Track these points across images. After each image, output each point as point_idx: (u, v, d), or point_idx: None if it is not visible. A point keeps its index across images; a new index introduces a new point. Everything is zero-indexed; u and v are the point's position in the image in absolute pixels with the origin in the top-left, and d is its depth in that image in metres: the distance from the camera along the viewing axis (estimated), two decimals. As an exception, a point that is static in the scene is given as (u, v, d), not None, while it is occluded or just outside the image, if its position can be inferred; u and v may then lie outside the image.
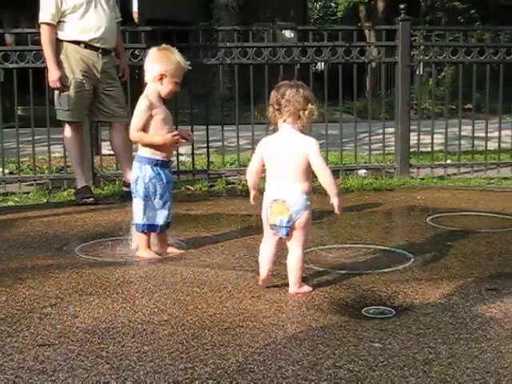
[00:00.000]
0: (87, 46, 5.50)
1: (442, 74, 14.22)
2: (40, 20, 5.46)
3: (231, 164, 7.12)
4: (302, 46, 6.65)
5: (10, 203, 5.75)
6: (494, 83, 6.91)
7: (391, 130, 7.01)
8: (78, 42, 5.49)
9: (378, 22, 19.26)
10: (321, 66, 15.28)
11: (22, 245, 4.21)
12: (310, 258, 3.69)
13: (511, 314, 2.87)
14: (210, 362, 2.40)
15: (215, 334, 2.67)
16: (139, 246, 3.93)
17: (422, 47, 6.92)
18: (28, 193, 6.04)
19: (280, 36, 13.51)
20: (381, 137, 6.95)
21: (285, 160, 3.14)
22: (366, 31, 15.75)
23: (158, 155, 3.85)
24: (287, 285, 3.22)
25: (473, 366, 2.35)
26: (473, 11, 22.03)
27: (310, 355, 2.45)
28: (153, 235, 3.95)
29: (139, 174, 3.83)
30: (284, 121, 3.17)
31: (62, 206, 5.50)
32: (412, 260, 3.77)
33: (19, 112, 6.57)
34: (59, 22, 5.46)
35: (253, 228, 4.54)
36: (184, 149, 6.94)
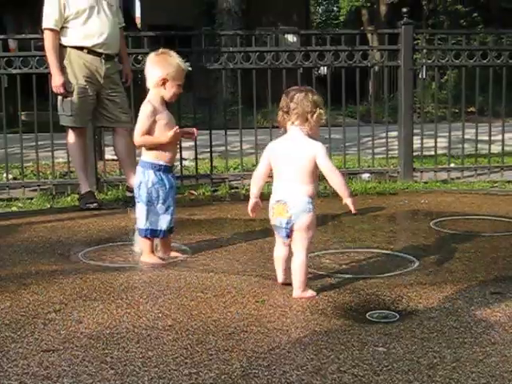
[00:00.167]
0: (90, 51, 5.51)
1: (445, 77, 14.21)
2: (43, 26, 5.47)
3: (234, 168, 7.12)
4: (305, 51, 6.65)
5: (14, 209, 5.76)
6: (497, 86, 6.91)
7: (394, 133, 7.01)
8: (81, 48, 5.50)
9: (380, 26, 19.25)
10: (323, 70, 15.28)
11: (25, 250, 4.21)
12: (313, 263, 3.68)
13: (516, 317, 2.87)
14: (214, 367, 2.40)
15: (219, 339, 2.67)
16: (143, 251, 3.93)
17: (424, 51, 6.92)
18: (32, 198, 6.05)
19: (283, 40, 13.49)
20: (384, 141, 6.95)
21: (290, 162, 3.17)
22: (369, 35, 15.76)
23: (162, 160, 3.85)
24: (291, 289, 3.22)
25: (477, 370, 2.35)
26: (475, 14, 22.03)
27: (314, 360, 2.45)
28: (156, 240, 3.95)
29: (142, 179, 3.84)
30: (292, 123, 3.22)
31: (65, 212, 5.51)
32: (416, 264, 3.76)
33: (23, 117, 6.58)
34: (62, 27, 5.47)
35: (256, 233, 4.54)
36: (187, 153, 6.95)
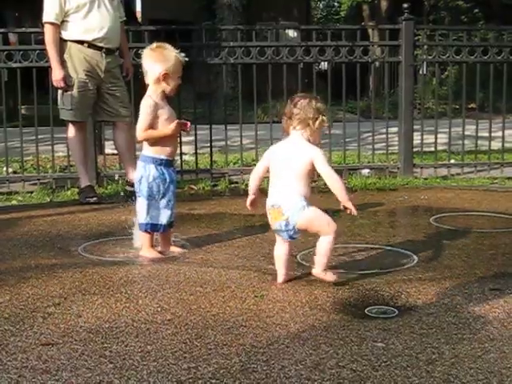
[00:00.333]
0: (91, 45, 5.51)
1: (446, 73, 14.20)
2: (44, 20, 5.47)
3: (234, 163, 7.12)
4: (306, 46, 6.64)
5: (14, 202, 5.76)
6: (498, 83, 6.91)
7: (394, 129, 7.01)
8: (81, 42, 5.50)
9: (381, 22, 19.23)
10: (324, 65, 15.26)
11: (25, 244, 4.22)
12: (311, 259, 3.68)
13: (514, 314, 2.87)
14: (213, 362, 2.40)
15: (218, 333, 2.68)
16: (142, 245, 3.93)
17: (425, 47, 6.92)
18: (31, 192, 6.05)
19: (283, 35, 13.47)
20: (384, 136, 6.94)
21: (288, 166, 3.23)
22: (370, 30, 15.71)
23: (163, 154, 3.85)
24: (290, 285, 3.23)
25: (476, 366, 2.35)
26: (476, 10, 21.98)
27: (313, 355, 2.45)
28: (156, 234, 3.96)
29: (143, 174, 3.84)
30: (294, 128, 3.28)
31: (65, 206, 5.51)
32: (415, 260, 3.77)
33: (23, 111, 6.57)
34: (63, 21, 5.47)
35: (256, 227, 4.54)
36: (187, 148, 6.95)
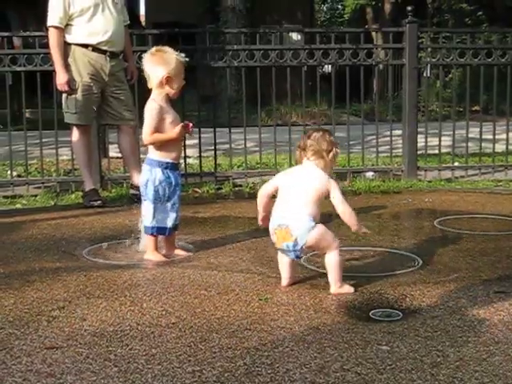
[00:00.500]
0: (95, 49, 5.52)
1: (450, 76, 14.19)
2: (48, 23, 5.48)
3: (238, 166, 7.12)
4: (309, 49, 6.65)
5: (18, 206, 5.77)
6: (502, 85, 6.90)
7: (398, 132, 7.00)
8: (85, 45, 5.51)
9: (385, 24, 19.23)
10: (328, 68, 15.26)
11: (29, 247, 4.22)
12: (316, 261, 3.68)
13: (519, 316, 2.87)
14: (217, 365, 2.40)
15: (223, 336, 2.67)
16: (147, 248, 3.93)
17: (429, 49, 6.91)
18: (36, 195, 6.06)
19: (287, 38, 13.51)
20: (388, 139, 6.94)
21: (299, 188, 3.25)
22: (373, 33, 15.77)
23: (168, 158, 3.86)
24: (295, 288, 3.23)
25: (481, 369, 2.34)
26: (480, 13, 21.98)
27: (317, 358, 2.45)
28: (160, 238, 3.96)
29: (149, 177, 3.84)
30: (307, 159, 3.33)
31: (69, 209, 5.51)
32: (419, 263, 3.76)
33: (27, 115, 6.60)
34: (67, 25, 5.48)
35: (260, 230, 4.51)
36: (191, 151, 6.95)
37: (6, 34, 6.39)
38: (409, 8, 6.68)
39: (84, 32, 5.49)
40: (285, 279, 3.34)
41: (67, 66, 5.49)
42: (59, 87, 5.54)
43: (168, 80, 3.83)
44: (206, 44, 6.62)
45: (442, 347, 2.54)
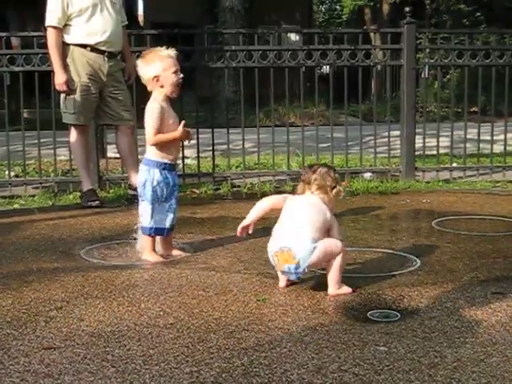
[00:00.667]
0: (93, 49, 5.52)
1: (448, 76, 14.21)
2: (46, 23, 5.48)
3: (236, 167, 7.12)
4: (308, 49, 6.65)
5: (16, 206, 5.76)
6: (500, 86, 6.91)
7: (396, 132, 7.01)
8: (84, 46, 5.51)
9: (383, 25, 19.20)
10: (326, 69, 15.27)
11: (27, 248, 4.22)
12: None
13: (517, 317, 2.87)
14: (215, 366, 2.40)
15: (220, 337, 2.67)
16: (145, 249, 3.93)
17: (427, 50, 6.92)
18: (34, 196, 6.05)
19: (285, 39, 13.51)
20: (386, 140, 6.94)
21: (302, 211, 3.25)
22: (372, 34, 15.69)
23: (166, 158, 3.86)
24: (292, 288, 3.23)
25: (478, 370, 2.35)
26: (478, 14, 21.97)
27: (315, 359, 2.45)
28: (158, 238, 3.96)
29: (147, 178, 3.84)
30: (312, 193, 3.34)
31: (67, 209, 5.51)
32: (417, 263, 3.76)
33: (25, 115, 6.58)
34: (65, 25, 5.48)
35: (258, 231, 4.52)
36: (189, 152, 6.95)
37: (3, 34, 6.37)
38: (407, 9, 6.68)
39: (82, 32, 5.49)
40: (282, 280, 3.34)
41: (66, 67, 5.49)
42: (58, 87, 5.53)
43: (158, 79, 3.83)
44: (205, 44, 6.62)
45: (439, 348, 2.55)
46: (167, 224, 3.89)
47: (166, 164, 3.86)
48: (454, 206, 5.53)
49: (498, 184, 6.59)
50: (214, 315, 2.93)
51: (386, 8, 23.37)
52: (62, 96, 5.59)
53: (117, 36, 5.63)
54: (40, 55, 6.16)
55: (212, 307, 3.04)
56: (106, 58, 5.56)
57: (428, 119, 7.33)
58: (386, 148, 7.06)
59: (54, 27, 5.45)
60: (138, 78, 6.03)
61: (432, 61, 6.88)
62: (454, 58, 6.77)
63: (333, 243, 3.22)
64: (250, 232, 3.52)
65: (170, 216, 3.90)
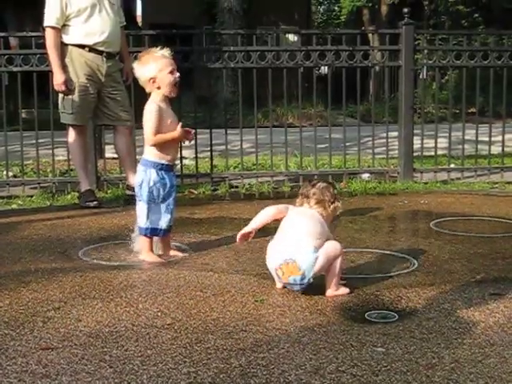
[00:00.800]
0: (92, 49, 5.52)
1: (446, 77, 14.22)
2: (45, 24, 5.48)
3: (235, 168, 7.12)
4: (306, 50, 6.65)
5: (14, 206, 5.76)
6: (498, 87, 6.91)
7: (394, 133, 7.01)
8: (82, 46, 5.51)
9: (381, 26, 19.20)
10: (324, 69, 15.27)
11: (25, 248, 4.22)
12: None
13: (514, 318, 2.87)
14: (213, 366, 2.40)
15: (218, 338, 2.67)
16: (142, 249, 3.93)
17: (425, 51, 6.92)
18: (32, 196, 6.05)
19: (284, 40, 13.50)
20: (384, 141, 6.94)
21: (303, 222, 3.26)
22: (370, 35, 15.74)
23: (164, 159, 3.86)
24: (290, 289, 3.23)
25: (476, 371, 2.35)
26: (476, 15, 22.01)
27: (313, 359, 2.45)
28: (156, 238, 3.96)
29: (144, 178, 3.84)
30: (310, 207, 3.35)
31: (65, 210, 5.51)
32: (415, 264, 3.77)
33: (23, 115, 6.59)
34: (64, 25, 5.48)
35: (257, 232, 4.53)
36: (187, 152, 6.95)
37: (2, 34, 6.37)
38: (405, 10, 6.69)
39: (81, 32, 5.49)
40: (278, 283, 3.34)
41: (64, 67, 5.49)
42: (56, 87, 5.53)
43: (154, 81, 3.83)
44: (203, 45, 6.62)
45: (437, 349, 2.55)
46: (163, 225, 3.89)
47: (163, 165, 3.86)
48: (451, 207, 5.53)
49: (496, 185, 6.59)
50: (211, 316, 2.93)
51: (384, 9, 23.41)
52: (60, 96, 5.59)
53: (115, 36, 5.63)
54: (38, 55, 6.16)
55: (210, 308, 3.04)
56: (104, 59, 5.56)
57: (426, 120, 7.32)
58: (384, 149, 7.06)
59: (53, 27, 5.45)
60: (135, 79, 6.07)
61: (430, 62, 6.88)
62: (452, 59, 6.78)
63: (333, 247, 3.22)
64: (250, 240, 3.50)
65: (167, 217, 3.89)
